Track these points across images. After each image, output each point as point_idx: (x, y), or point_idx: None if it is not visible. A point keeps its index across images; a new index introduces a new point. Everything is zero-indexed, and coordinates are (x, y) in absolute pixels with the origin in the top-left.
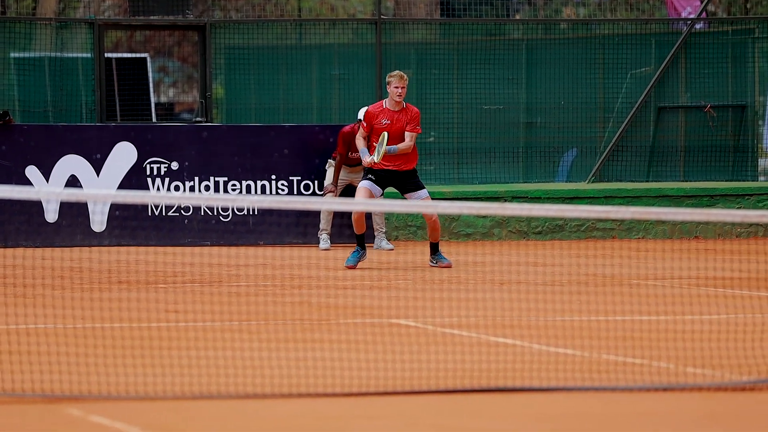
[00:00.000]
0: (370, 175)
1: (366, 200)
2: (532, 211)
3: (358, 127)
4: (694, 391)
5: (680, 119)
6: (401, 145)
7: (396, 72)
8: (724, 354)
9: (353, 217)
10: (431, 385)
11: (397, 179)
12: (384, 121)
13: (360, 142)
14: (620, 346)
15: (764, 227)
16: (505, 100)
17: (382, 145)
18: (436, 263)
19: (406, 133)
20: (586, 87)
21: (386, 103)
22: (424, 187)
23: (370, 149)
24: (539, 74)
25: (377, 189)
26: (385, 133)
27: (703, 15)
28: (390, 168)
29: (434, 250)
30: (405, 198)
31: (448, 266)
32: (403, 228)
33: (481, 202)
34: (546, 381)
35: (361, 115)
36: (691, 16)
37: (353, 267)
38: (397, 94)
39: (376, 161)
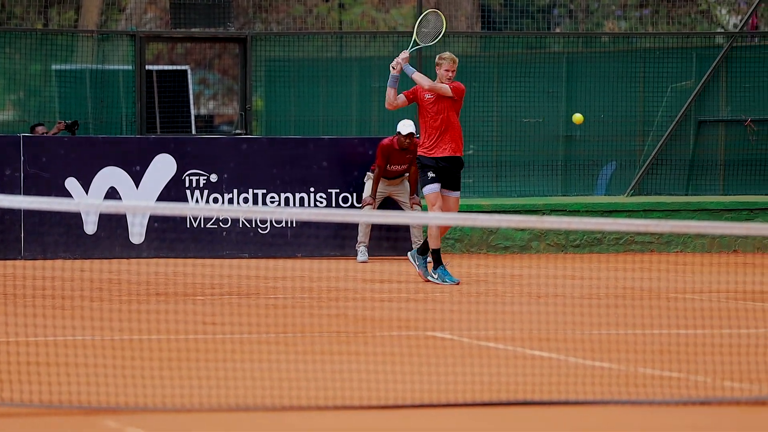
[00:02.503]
0: (430, 174)
1: (402, 214)
2: (571, 225)
3: (397, 140)
4: (732, 405)
5: (720, 133)
6: (429, 81)
7: (448, 54)
8: (762, 368)
9: (433, 232)
10: (467, 398)
11: (451, 172)
12: (427, 96)
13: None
14: (657, 359)
15: None
16: (545, 113)
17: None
18: (438, 279)
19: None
20: (626, 100)
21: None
22: (459, 189)
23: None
24: (579, 87)
25: (439, 186)
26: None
27: (748, 28)
28: (448, 155)
29: (438, 260)
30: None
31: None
32: (441, 241)
33: (519, 215)
34: (583, 395)
35: (400, 127)
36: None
37: (458, 281)
38: (447, 77)
39: (407, 55)
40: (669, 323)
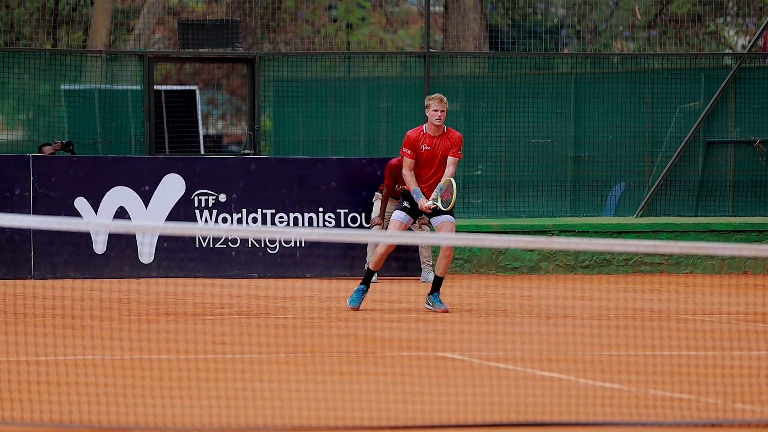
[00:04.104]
0: (405, 204)
1: (407, 234)
2: (580, 245)
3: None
4: (742, 427)
5: (729, 154)
6: (449, 178)
7: (436, 95)
8: None
9: (379, 251)
10: (477, 419)
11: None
12: (424, 147)
13: (409, 177)
14: (668, 381)
15: None
16: (553, 133)
17: (449, 196)
18: (432, 306)
19: (449, 158)
20: (634, 121)
21: (426, 128)
22: (452, 213)
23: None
24: (587, 108)
25: (409, 219)
26: (452, 182)
27: (760, 49)
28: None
29: (437, 287)
30: (430, 220)
31: (444, 311)
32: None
33: (528, 235)
34: (593, 416)
35: None
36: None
37: (357, 308)
38: (436, 117)
39: (435, 204)
40: (679, 345)
